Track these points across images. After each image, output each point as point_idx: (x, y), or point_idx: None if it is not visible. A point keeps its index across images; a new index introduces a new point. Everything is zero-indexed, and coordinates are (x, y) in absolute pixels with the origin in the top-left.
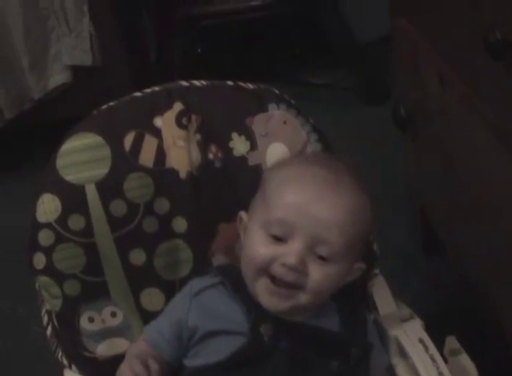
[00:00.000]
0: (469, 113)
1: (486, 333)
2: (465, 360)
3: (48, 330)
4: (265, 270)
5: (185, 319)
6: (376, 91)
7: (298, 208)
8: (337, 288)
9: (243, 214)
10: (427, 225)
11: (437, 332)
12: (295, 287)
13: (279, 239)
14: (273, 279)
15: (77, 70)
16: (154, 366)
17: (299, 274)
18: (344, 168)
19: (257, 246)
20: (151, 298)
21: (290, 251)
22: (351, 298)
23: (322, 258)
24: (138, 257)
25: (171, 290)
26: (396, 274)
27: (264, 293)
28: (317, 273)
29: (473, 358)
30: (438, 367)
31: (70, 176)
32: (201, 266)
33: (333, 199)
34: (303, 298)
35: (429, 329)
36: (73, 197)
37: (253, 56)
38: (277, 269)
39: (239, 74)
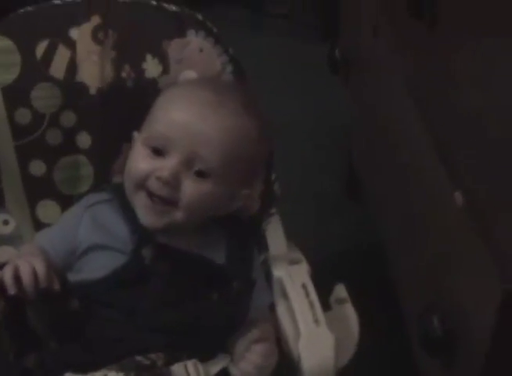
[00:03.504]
0: (391, 67)
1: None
2: (349, 310)
3: None
4: (142, 185)
5: (75, 227)
6: (329, 28)
7: (178, 124)
8: (219, 210)
9: (135, 133)
10: (352, 171)
11: (333, 278)
12: (170, 203)
13: (158, 153)
14: (150, 194)
15: None
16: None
17: (172, 189)
18: (233, 93)
19: (137, 160)
20: (47, 210)
21: (165, 166)
22: (242, 234)
23: (198, 175)
24: (38, 168)
25: (67, 204)
26: (316, 216)
27: (141, 208)
28: (190, 189)
29: (360, 308)
30: (314, 314)
31: None
32: (101, 184)
33: (214, 118)
34: (178, 215)
35: (326, 274)
36: None
37: None
38: (152, 184)
39: None
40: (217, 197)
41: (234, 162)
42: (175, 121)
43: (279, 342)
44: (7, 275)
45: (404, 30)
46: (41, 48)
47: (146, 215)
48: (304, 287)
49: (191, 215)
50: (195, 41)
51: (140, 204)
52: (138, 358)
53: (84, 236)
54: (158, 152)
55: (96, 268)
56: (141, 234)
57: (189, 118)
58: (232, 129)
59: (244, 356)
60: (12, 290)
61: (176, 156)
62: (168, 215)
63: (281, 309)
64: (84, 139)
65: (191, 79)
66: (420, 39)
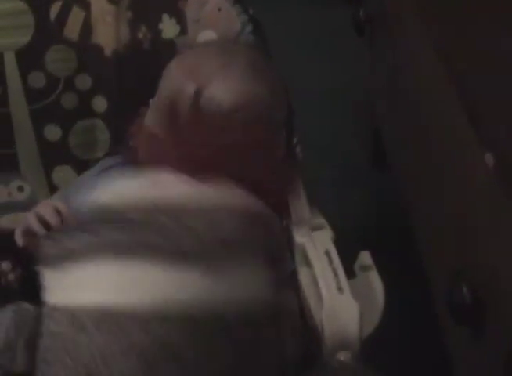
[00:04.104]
0: (418, 23)
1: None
2: (374, 277)
3: None
4: None
5: (91, 190)
6: None
7: (183, 89)
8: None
9: (151, 101)
10: (379, 137)
11: (358, 245)
12: None
13: None
14: None
15: None
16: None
17: None
18: (243, 53)
19: None
20: (63, 175)
21: None
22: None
23: None
24: (53, 132)
25: (84, 169)
26: (338, 183)
27: None
28: None
29: (385, 276)
30: (338, 281)
31: None
32: (117, 148)
33: (220, 80)
34: None
35: (350, 240)
36: None
37: None
38: None
39: None
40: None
41: None
42: (179, 86)
43: (302, 310)
44: (31, 219)
45: None
46: (55, 9)
47: None
48: (327, 253)
49: None
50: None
51: None
52: None
53: (100, 195)
54: None
55: None
56: None
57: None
58: (241, 92)
59: None
60: (41, 231)
61: None
62: None
63: (303, 277)
64: (99, 103)
65: (202, 42)
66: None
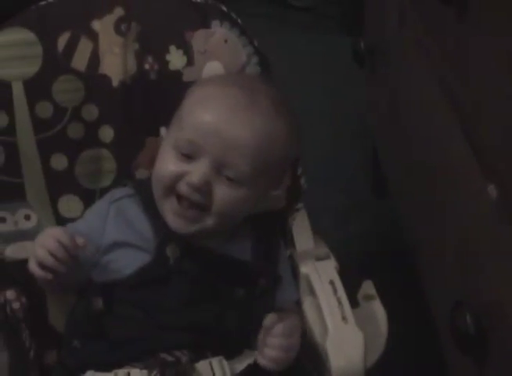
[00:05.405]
0: (419, 55)
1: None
2: (377, 307)
3: None
4: (171, 189)
5: (102, 223)
6: (353, 21)
7: (207, 129)
8: (249, 213)
9: (163, 130)
10: (378, 165)
11: (360, 272)
12: (200, 208)
13: (188, 156)
14: (180, 199)
15: None
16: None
17: (204, 194)
18: (263, 91)
19: (166, 163)
20: (69, 204)
21: (195, 171)
22: (268, 230)
23: (229, 180)
24: (59, 162)
25: (90, 198)
26: (339, 209)
27: (170, 214)
28: (222, 195)
29: (390, 305)
30: (342, 311)
31: None
32: (124, 178)
33: (244, 121)
34: (209, 221)
35: (353, 270)
36: None
37: None
38: (182, 188)
39: None
40: (248, 201)
41: (265, 167)
42: (203, 125)
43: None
44: (42, 253)
45: (432, 17)
46: (62, 40)
47: (176, 221)
48: (331, 283)
49: (223, 221)
50: (219, 31)
51: (170, 209)
52: (163, 355)
53: (109, 232)
54: (188, 155)
55: (120, 267)
56: (164, 233)
57: (218, 122)
58: (264, 134)
59: (266, 342)
60: (54, 264)
61: (206, 161)
62: (199, 221)
63: (308, 306)
64: (106, 133)
65: (219, 76)
66: (450, 26)
